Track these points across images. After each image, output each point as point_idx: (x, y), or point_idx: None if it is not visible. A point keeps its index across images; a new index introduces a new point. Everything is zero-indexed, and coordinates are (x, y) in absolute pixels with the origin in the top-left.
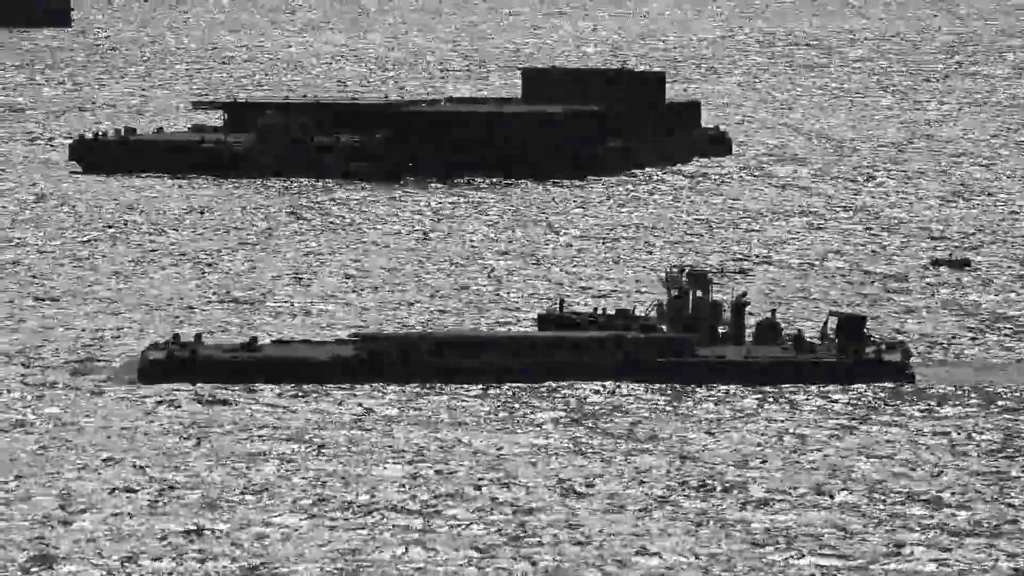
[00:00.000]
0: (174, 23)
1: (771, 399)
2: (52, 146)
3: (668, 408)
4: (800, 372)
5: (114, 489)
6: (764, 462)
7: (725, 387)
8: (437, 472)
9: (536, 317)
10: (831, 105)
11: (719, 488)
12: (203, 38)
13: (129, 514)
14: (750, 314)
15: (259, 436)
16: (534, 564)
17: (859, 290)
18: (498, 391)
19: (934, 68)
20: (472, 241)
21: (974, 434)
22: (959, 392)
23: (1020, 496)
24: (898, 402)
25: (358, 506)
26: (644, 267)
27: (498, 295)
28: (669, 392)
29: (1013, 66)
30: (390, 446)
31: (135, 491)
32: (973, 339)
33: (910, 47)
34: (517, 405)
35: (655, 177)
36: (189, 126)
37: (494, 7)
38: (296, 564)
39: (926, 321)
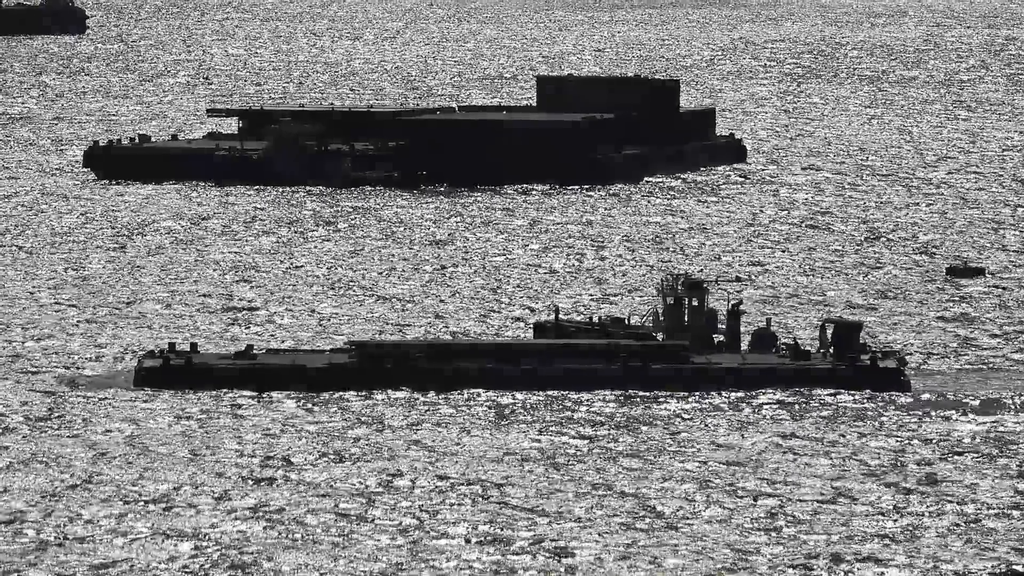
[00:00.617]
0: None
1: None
2: (65, 153)
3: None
4: (796, 379)
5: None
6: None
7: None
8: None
9: (532, 325)
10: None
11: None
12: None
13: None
14: (746, 322)
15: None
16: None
17: (861, 298)
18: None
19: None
20: (479, 248)
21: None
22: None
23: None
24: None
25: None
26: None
27: (500, 302)
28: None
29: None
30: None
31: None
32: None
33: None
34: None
35: (667, 184)
36: (204, 134)
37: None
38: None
39: (923, 330)
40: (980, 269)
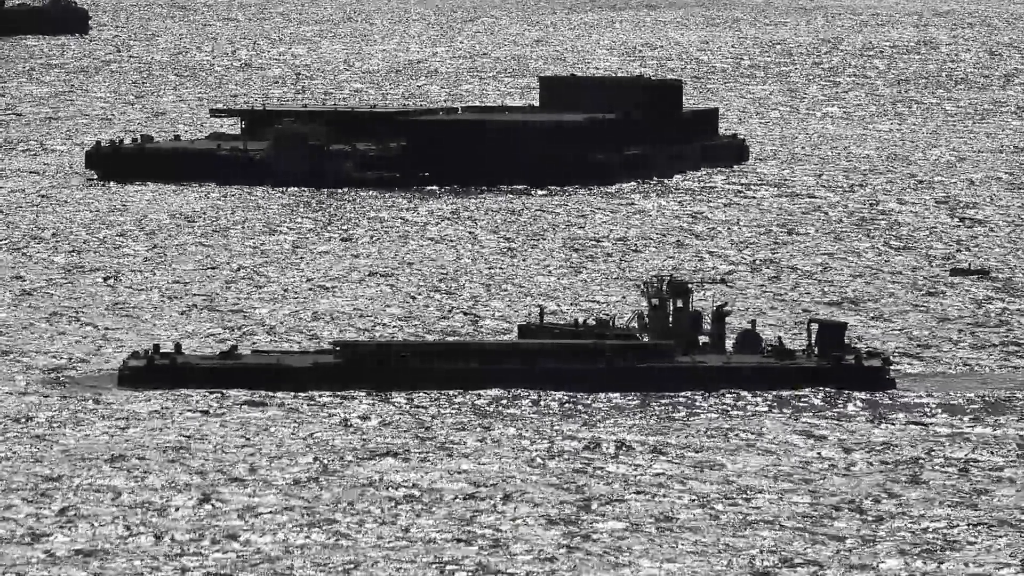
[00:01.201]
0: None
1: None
2: (68, 153)
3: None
4: (781, 378)
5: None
6: None
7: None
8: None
9: (517, 328)
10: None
11: None
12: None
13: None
14: (730, 323)
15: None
16: None
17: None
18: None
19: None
20: (472, 249)
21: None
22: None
23: None
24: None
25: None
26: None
27: (484, 303)
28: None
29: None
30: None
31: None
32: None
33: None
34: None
35: (668, 184)
36: (207, 134)
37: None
38: None
39: (909, 329)
40: (985, 270)
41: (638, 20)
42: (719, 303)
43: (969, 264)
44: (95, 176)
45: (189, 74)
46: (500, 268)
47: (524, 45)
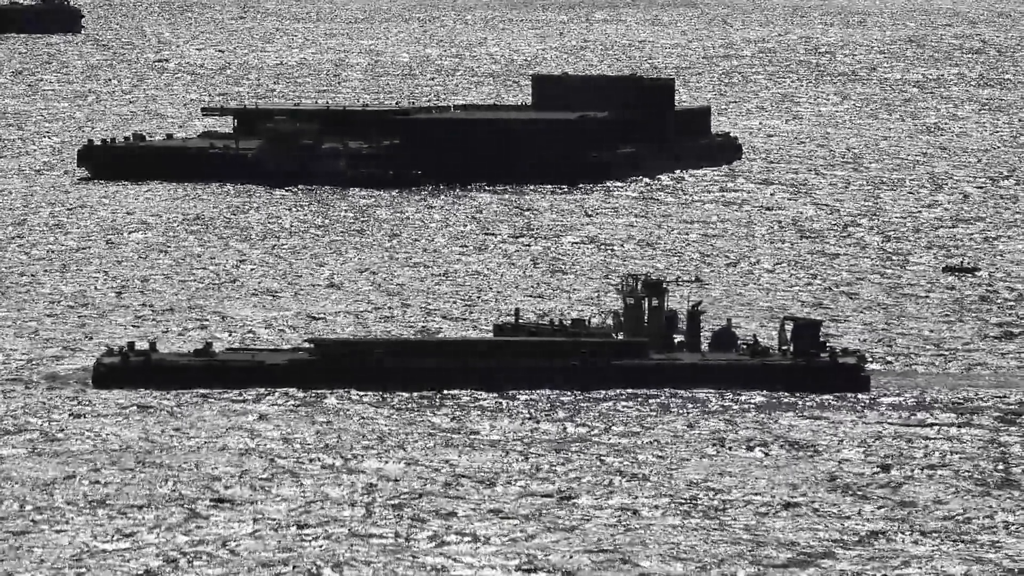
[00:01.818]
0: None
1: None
2: (59, 151)
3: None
4: (755, 377)
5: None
6: None
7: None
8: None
9: (492, 328)
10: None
11: None
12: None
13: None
14: (704, 321)
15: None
16: None
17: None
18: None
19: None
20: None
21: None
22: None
23: None
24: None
25: None
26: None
27: (463, 301)
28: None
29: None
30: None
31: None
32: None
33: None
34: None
35: (661, 182)
36: (199, 132)
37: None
38: None
39: (887, 328)
40: (975, 268)
41: (631, 18)
42: (694, 302)
43: (961, 261)
44: (87, 174)
45: (181, 73)
46: (483, 266)
47: (516, 43)
